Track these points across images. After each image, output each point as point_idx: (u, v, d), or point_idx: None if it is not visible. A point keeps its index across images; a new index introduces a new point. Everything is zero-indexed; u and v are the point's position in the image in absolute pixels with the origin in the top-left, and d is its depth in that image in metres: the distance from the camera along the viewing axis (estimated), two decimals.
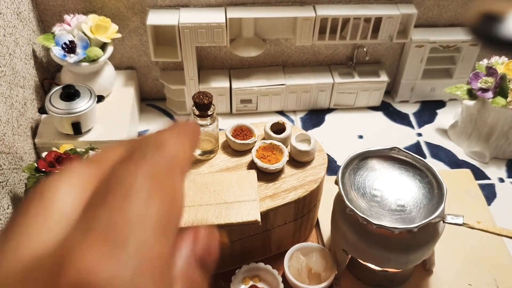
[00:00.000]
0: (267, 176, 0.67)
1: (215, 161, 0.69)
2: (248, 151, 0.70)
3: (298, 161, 0.69)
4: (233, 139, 0.69)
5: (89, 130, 0.81)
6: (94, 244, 0.14)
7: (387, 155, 0.64)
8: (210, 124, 0.66)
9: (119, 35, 0.85)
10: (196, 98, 0.63)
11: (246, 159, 0.69)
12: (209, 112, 0.65)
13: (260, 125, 0.74)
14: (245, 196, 0.61)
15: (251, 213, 0.59)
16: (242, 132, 0.71)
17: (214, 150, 0.70)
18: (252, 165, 0.68)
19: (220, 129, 0.71)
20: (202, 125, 0.66)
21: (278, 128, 0.71)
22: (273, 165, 0.65)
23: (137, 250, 0.14)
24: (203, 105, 0.64)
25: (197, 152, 0.69)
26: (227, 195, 0.61)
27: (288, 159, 0.67)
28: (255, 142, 0.69)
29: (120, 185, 0.15)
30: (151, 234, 0.15)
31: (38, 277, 0.14)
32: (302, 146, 0.68)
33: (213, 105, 0.65)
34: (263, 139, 0.71)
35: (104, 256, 0.14)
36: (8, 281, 0.14)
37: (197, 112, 0.65)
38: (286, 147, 0.70)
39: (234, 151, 0.70)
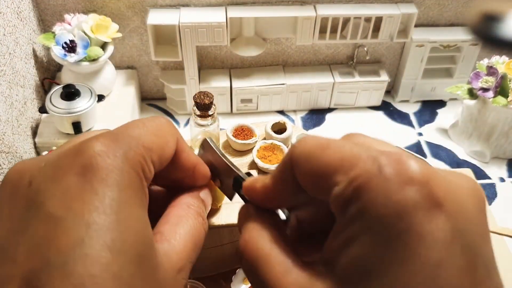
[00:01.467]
0: None
1: None
2: (249, 151, 0.70)
3: None
4: (233, 139, 0.69)
5: (89, 130, 0.81)
6: (101, 137, 0.22)
7: None
8: (211, 124, 0.66)
9: (119, 35, 0.85)
10: (197, 98, 0.63)
11: (247, 159, 0.69)
12: (210, 112, 0.65)
13: (261, 124, 0.74)
14: None
15: None
16: (243, 132, 0.71)
17: None
18: (253, 165, 0.68)
19: (220, 129, 0.71)
20: (203, 125, 0.66)
21: (279, 128, 0.71)
22: (274, 165, 0.65)
23: (128, 146, 0.23)
24: (204, 105, 0.63)
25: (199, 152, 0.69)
26: None
27: None
28: (256, 142, 0.69)
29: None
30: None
31: (71, 149, 0.22)
32: None
33: (214, 105, 0.65)
34: (264, 139, 0.71)
35: (105, 143, 0.22)
36: (51, 155, 0.23)
37: (198, 112, 0.65)
38: (287, 147, 0.69)
39: (235, 151, 0.70)
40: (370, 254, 0.19)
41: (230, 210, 0.59)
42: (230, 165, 0.34)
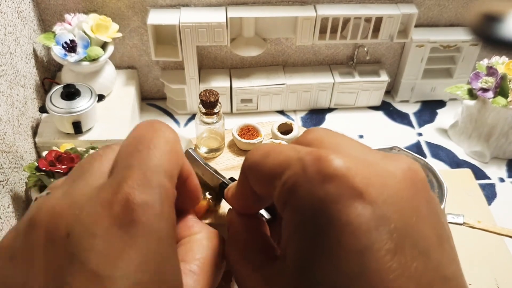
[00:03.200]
0: None
1: (221, 159, 0.69)
2: None
3: None
4: (239, 138, 0.69)
5: (89, 129, 0.81)
6: (135, 182, 0.21)
7: None
8: (216, 122, 0.67)
9: (119, 35, 0.85)
10: (203, 96, 0.64)
11: None
12: (216, 110, 0.65)
13: (266, 125, 0.73)
14: None
15: None
16: (249, 131, 0.71)
17: (220, 148, 0.70)
18: None
19: (225, 129, 0.71)
20: (208, 123, 0.66)
21: (286, 129, 0.71)
22: None
23: (159, 184, 0.22)
24: (209, 103, 0.64)
25: (204, 149, 0.69)
26: None
27: None
28: (261, 142, 0.69)
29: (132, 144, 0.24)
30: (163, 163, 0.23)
31: (104, 192, 0.21)
32: None
33: (220, 103, 0.65)
34: (271, 138, 0.71)
35: (142, 191, 0.21)
36: (83, 197, 0.22)
37: (203, 110, 0.65)
38: None
39: (240, 150, 0.71)
40: (304, 251, 0.21)
41: None
42: (214, 173, 0.35)
